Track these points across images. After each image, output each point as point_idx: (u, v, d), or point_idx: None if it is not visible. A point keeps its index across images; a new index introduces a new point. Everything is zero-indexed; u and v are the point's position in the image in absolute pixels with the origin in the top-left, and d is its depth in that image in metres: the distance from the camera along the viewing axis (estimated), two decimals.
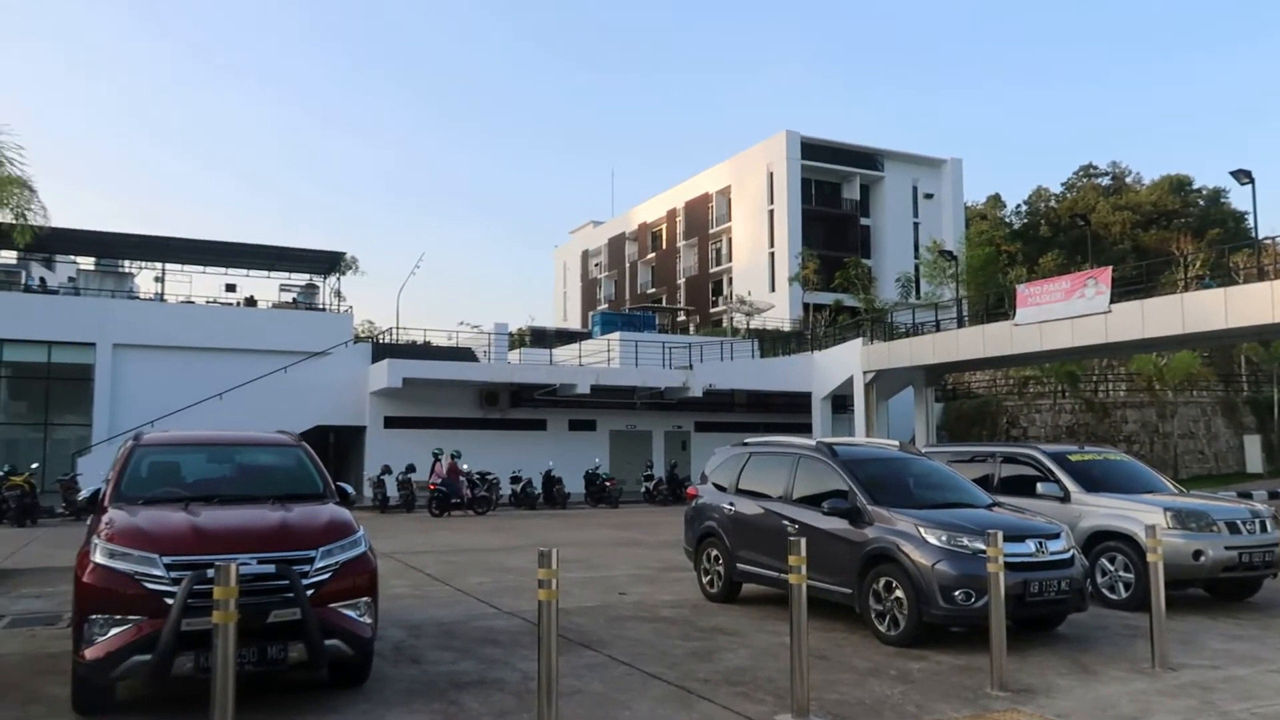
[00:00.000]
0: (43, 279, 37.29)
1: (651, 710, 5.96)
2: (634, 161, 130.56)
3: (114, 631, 5.52)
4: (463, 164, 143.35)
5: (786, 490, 9.54)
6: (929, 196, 60.41)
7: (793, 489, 9.47)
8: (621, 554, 15.11)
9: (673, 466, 32.15)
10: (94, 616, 5.58)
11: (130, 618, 5.53)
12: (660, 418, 35.16)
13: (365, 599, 6.17)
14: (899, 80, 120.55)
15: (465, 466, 25.64)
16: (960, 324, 31.17)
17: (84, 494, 7.30)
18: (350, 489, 7.71)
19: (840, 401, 33.73)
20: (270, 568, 5.74)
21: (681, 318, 59.63)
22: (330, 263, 36.25)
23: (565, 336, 44.48)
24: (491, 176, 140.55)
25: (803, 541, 5.97)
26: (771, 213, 57.11)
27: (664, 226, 68.29)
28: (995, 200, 76.69)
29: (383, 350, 32.99)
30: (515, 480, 27.81)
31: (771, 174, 57.27)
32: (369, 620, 6.17)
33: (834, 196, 59.83)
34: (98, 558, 5.78)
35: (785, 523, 9.14)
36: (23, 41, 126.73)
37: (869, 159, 59.96)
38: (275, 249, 35.42)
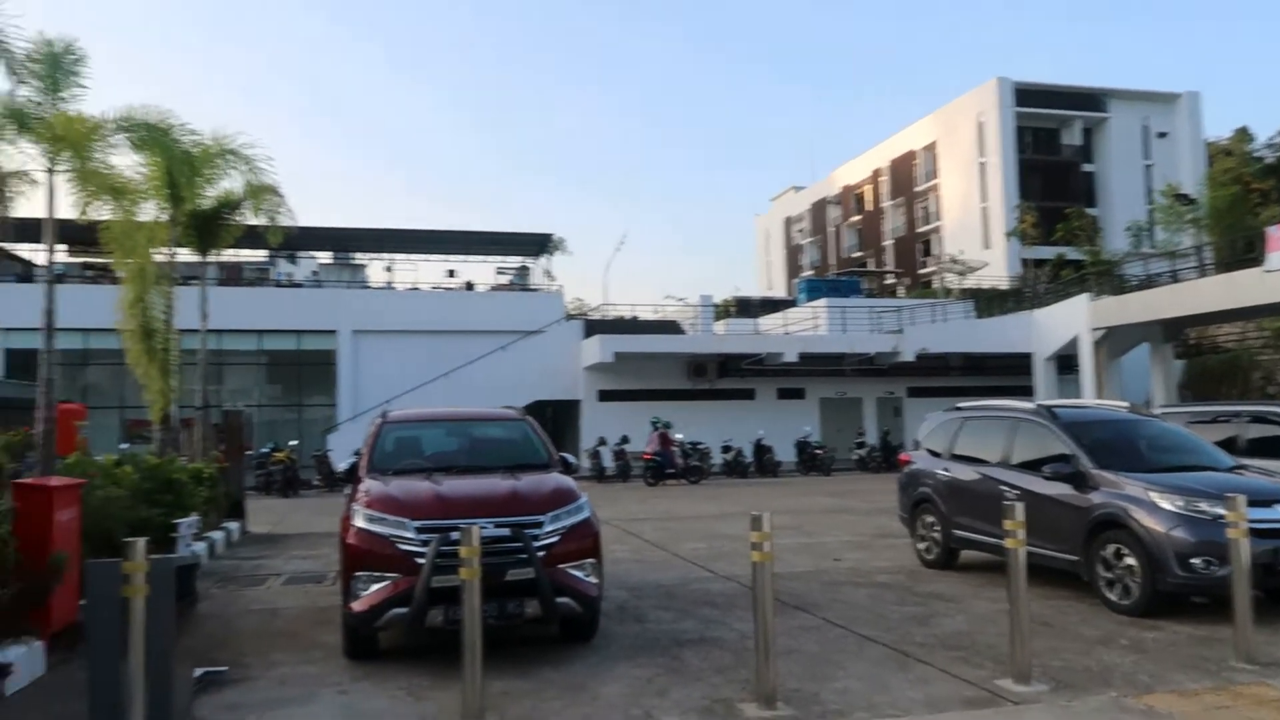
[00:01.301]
0: (290, 274, 41.28)
1: (867, 671, 6.03)
2: (834, 124, 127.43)
3: (375, 587, 6.22)
4: (660, 140, 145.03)
5: (1005, 455, 9.25)
6: (1162, 136, 55.22)
7: (1011, 453, 9.17)
8: (835, 521, 15.08)
9: (885, 433, 31.48)
10: (358, 574, 6.31)
11: (388, 575, 6.21)
12: (871, 384, 34.43)
13: (590, 560, 6.61)
14: (1122, 11, 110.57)
15: (679, 436, 26.22)
16: (1201, 273, 28.48)
17: (343, 466, 8.16)
18: (573, 458, 8.22)
19: (1065, 362, 31.76)
20: (505, 531, 6.26)
21: (889, 281, 57.83)
22: (540, 245, 37.86)
23: (770, 305, 44.31)
24: (689, 150, 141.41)
25: (1019, 505, 5.83)
26: (983, 165, 54.18)
27: (868, 188, 66.32)
28: (1242, 134, 68.97)
29: (593, 326, 34.16)
30: (726, 449, 28.18)
31: (982, 124, 54.25)
32: (595, 580, 6.60)
33: (1052, 143, 55.91)
34: (358, 522, 6.51)
35: (1003, 488, 8.86)
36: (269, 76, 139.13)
37: (1091, 100, 55.52)
38: (489, 234, 37.41)
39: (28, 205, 12.01)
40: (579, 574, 6.49)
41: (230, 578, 10.47)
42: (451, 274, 38.64)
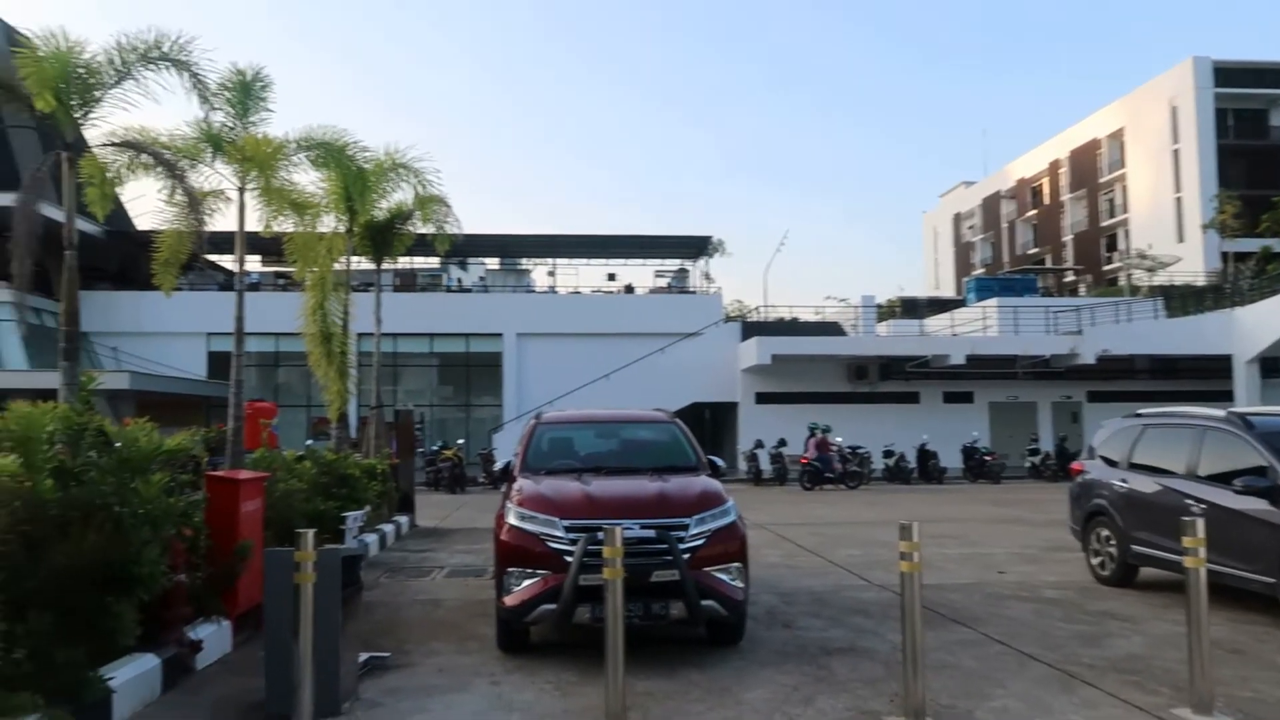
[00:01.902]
0: (459, 279, 43.14)
1: (1028, 691, 5.71)
2: (1006, 117, 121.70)
3: (526, 583, 6.40)
4: (823, 137, 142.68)
5: (1190, 466, 8.55)
6: None
7: (1198, 465, 8.47)
8: (1002, 531, 14.39)
9: (1062, 440, 29.74)
10: (510, 569, 6.51)
11: (538, 571, 6.37)
12: (1046, 388, 32.63)
13: (736, 564, 6.57)
14: None
15: (837, 440, 25.70)
16: None
17: (498, 465, 8.45)
18: (720, 462, 8.20)
19: (1271, 365, 29.12)
20: (651, 533, 6.30)
21: (1069, 278, 54.64)
22: (698, 247, 37.98)
23: (937, 305, 42.76)
24: (853, 147, 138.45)
25: (1199, 521, 5.37)
26: (1176, 152, 50.33)
27: (1045, 180, 62.87)
28: None
29: (751, 328, 33.96)
30: (888, 454, 27.39)
31: (1175, 108, 50.39)
32: (740, 584, 6.55)
33: (1258, 126, 51.24)
34: (511, 520, 6.72)
35: (1188, 501, 8.21)
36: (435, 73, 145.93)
37: None
38: (648, 238, 37.85)
39: (224, 219, 13.15)
40: (724, 577, 6.46)
41: (398, 569, 11.03)
42: (612, 278, 39.36)
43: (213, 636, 6.59)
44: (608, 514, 6.33)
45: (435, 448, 26.63)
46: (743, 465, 27.77)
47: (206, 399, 30.99)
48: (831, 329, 35.44)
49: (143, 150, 10.39)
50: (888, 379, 32.26)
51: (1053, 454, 28.33)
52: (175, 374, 30.81)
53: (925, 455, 27.46)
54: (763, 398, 32.01)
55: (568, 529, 6.39)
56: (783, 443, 27.14)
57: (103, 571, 4.68)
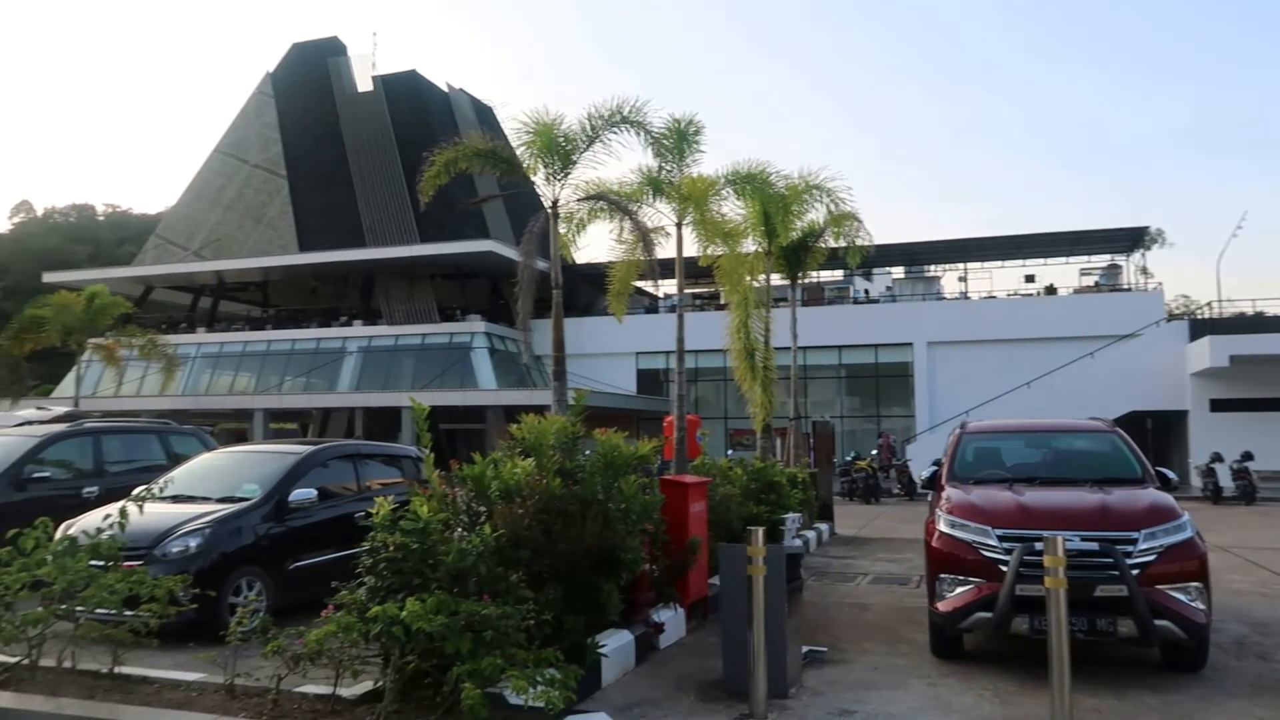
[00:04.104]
0: (866, 290, 43.19)
1: None
2: None
3: (959, 590, 6.49)
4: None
5: None
6: None
7: None
8: None
9: None
10: (942, 575, 6.65)
11: (971, 579, 6.44)
12: None
13: (1195, 584, 6.11)
14: None
15: None
16: None
17: (924, 474, 8.58)
18: (1172, 474, 7.60)
19: None
20: (1093, 545, 6.09)
21: None
22: (1133, 239, 34.51)
23: None
24: None
25: None
26: None
27: None
28: None
29: (1201, 326, 30.10)
30: None
31: None
32: (1201, 606, 6.09)
33: None
34: (942, 527, 6.85)
35: None
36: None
37: None
38: (1071, 234, 35.13)
39: (660, 244, 14.79)
40: (1181, 597, 6.05)
41: (823, 573, 11.50)
42: (1030, 279, 37.05)
43: (671, 621, 7.49)
44: (1044, 524, 6.23)
45: (849, 459, 26.98)
46: (1196, 480, 24.69)
47: (637, 413, 34.22)
48: None
49: (602, 199, 12.15)
50: None
51: None
52: (609, 390, 34.39)
53: None
54: (1218, 405, 28.23)
55: (1001, 538, 6.38)
56: (1248, 456, 23.69)
57: (596, 556, 5.63)
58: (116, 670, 5.51)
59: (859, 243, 18.02)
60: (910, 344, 34.03)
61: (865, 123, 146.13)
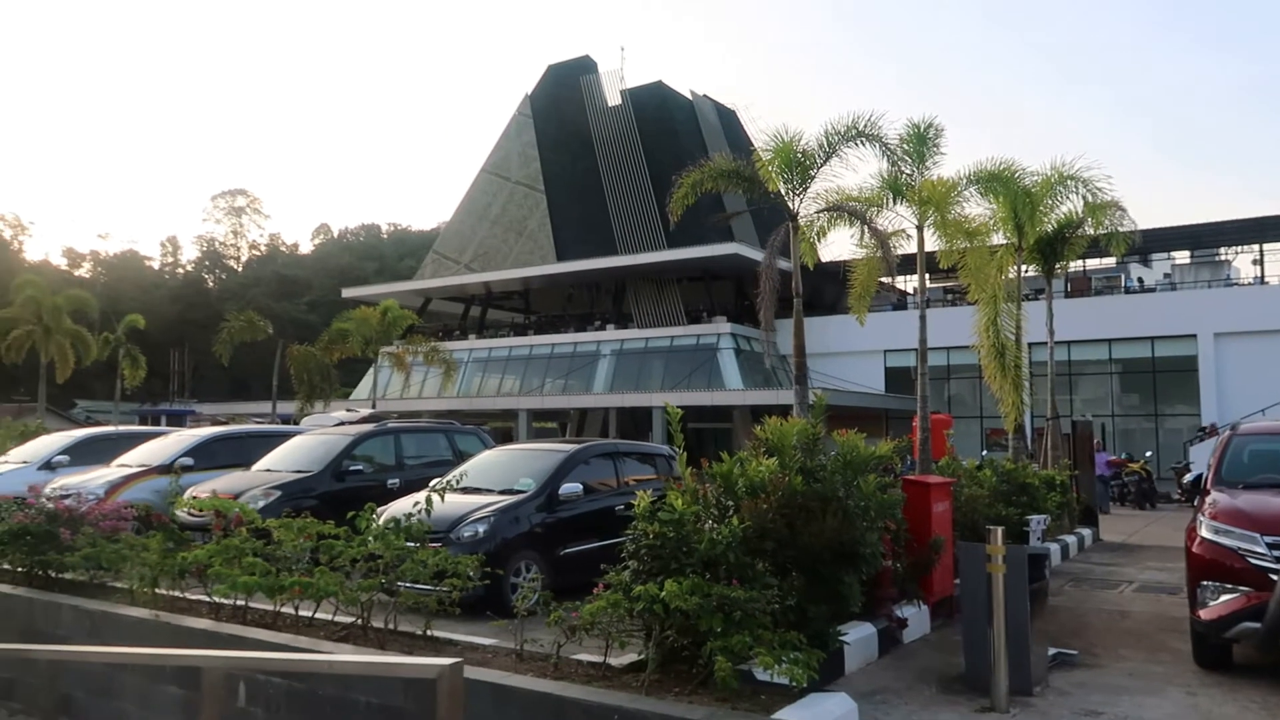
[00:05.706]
0: (1140, 279, 39.84)
1: None
2: None
3: (1223, 598, 6.26)
4: None
5: None
6: None
7: None
8: None
9: None
10: (1204, 583, 6.43)
11: (1238, 587, 6.19)
12: None
13: None
14: None
15: None
16: None
17: (1189, 478, 8.21)
18: None
19: None
20: None
21: None
22: None
23: None
24: None
25: None
26: None
27: None
28: None
29: None
30: None
31: None
32: None
33: None
34: (1204, 533, 6.62)
35: None
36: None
37: None
38: None
39: (898, 245, 14.76)
40: None
41: (1082, 579, 11.09)
42: None
43: (914, 617, 7.68)
44: None
45: (1112, 458, 25.17)
46: None
47: (885, 411, 33.64)
48: None
49: (840, 209, 12.48)
50: None
51: None
52: (856, 388, 34.04)
53: None
54: None
55: (1270, 545, 6.10)
56: None
57: (836, 550, 5.99)
58: (429, 633, 6.53)
59: (1123, 230, 16.97)
60: (1194, 335, 31.13)
61: (1132, 106, 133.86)
